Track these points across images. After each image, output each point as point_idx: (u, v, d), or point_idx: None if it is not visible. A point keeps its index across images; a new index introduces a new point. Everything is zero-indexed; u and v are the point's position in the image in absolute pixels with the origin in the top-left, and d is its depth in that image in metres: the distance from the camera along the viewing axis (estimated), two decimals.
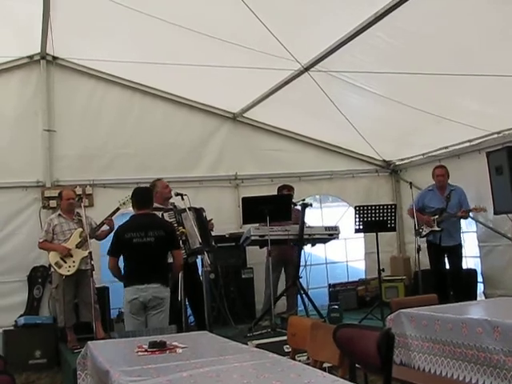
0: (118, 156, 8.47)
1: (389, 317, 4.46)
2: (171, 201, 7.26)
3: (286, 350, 5.81)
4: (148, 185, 8.28)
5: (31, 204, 8.09)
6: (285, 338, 6.00)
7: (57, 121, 8.18)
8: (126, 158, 8.50)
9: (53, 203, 8.02)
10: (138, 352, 3.37)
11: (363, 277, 9.54)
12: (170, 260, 5.81)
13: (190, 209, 6.74)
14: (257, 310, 8.39)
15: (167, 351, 3.34)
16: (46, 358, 7.37)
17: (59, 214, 7.25)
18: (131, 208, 6.01)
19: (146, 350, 3.36)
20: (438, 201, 7.72)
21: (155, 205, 7.10)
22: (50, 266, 7.90)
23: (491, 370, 3.45)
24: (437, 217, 7.58)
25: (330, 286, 9.07)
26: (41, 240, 7.21)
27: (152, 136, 8.60)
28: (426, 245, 7.81)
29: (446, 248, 7.56)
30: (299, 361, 4.07)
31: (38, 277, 7.98)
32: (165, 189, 7.28)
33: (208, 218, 7.27)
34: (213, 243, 7.00)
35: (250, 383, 2.50)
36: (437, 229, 7.54)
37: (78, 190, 8.08)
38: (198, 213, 6.94)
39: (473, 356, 3.61)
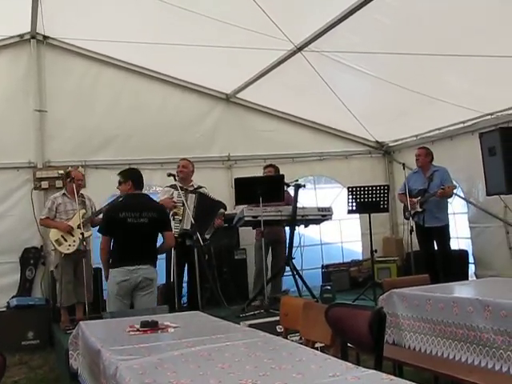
0: (111, 137, 8.43)
1: (381, 297, 4.47)
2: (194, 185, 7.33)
3: (279, 330, 5.83)
4: (141, 166, 8.42)
5: (23, 185, 8.06)
6: (277, 318, 6.08)
7: (48, 101, 8.12)
8: (118, 139, 8.46)
9: (45, 184, 8.00)
10: (129, 331, 3.37)
11: (359, 258, 9.58)
12: None
13: (194, 192, 6.82)
14: (250, 291, 8.41)
15: (159, 330, 3.34)
16: (38, 339, 7.39)
17: (64, 194, 7.23)
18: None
19: (137, 330, 3.36)
20: (421, 182, 7.70)
21: (176, 183, 7.09)
22: (42, 247, 7.96)
23: (480, 348, 3.47)
24: (419, 198, 7.58)
25: (323, 266, 9.08)
26: (43, 217, 7.21)
27: (145, 117, 8.55)
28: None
29: (430, 229, 7.50)
30: (292, 341, 4.08)
31: (30, 258, 7.96)
32: (178, 168, 7.45)
33: (223, 214, 7.37)
34: (207, 235, 6.94)
35: (241, 361, 2.50)
36: (419, 210, 7.52)
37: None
38: (204, 199, 6.99)
39: (463, 335, 3.62)
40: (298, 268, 7.88)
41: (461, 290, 4.03)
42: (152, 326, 3.40)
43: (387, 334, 4.33)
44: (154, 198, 6.37)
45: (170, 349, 2.80)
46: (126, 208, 5.45)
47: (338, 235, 9.72)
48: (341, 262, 9.43)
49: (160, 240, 5.73)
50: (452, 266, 7.68)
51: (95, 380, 3.09)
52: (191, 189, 7.14)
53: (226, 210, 7.33)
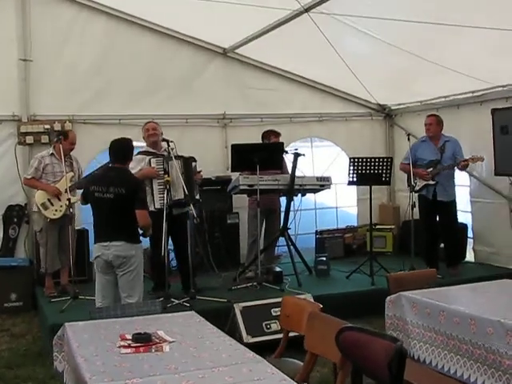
0: (101, 90, 7.93)
1: (388, 298, 4.20)
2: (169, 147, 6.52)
3: (274, 314, 5.65)
4: (132, 122, 8.00)
5: (6, 139, 7.63)
6: (272, 300, 5.86)
7: (34, 50, 7.56)
8: (108, 92, 7.97)
9: (29, 139, 7.58)
10: (120, 347, 3.07)
11: (354, 223, 9.34)
12: None
13: (177, 157, 6.33)
14: (241, 255, 8.17)
15: (153, 348, 3.04)
16: (21, 301, 7.13)
17: (52, 154, 6.80)
18: None
19: (129, 346, 3.06)
20: (432, 152, 7.29)
21: (146, 148, 6.69)
22: (26, 205, 7.60)
23: (500, 374, 3.22)
24: (431, 169, 7.21)
25: (316, 232, 8.82)
26: (28, 176, 6.81)
27: (137, 71, 8.05)
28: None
29: (439, 203, 7.21)
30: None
31: (14, 216, 7.63)
32: (146, 132, 6.76)
33: (198, 169, 6.81)
34: (197, 196, 6.57)
35: None
36: (431, 182, 7.16)
37: (57, 126, 7.64)
38: (187, 162, 6.49)
39: (480, 356, 3.37)
40: (292, 233, 7.65)
41: (478, 304, 3.72)
42: (146, 341, 3.10)
43: None
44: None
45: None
46: (95, 182, 5.25)
47: (333, 200, 9.43)
48: (335, 227, 9.17)
49: None
50: (455, 242, 7.45)
51: None
52: (165, 154, 6.51)
53: (196, 161, 6.72)
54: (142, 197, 5.19)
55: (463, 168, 7.15)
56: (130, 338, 3.18)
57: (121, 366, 2.78)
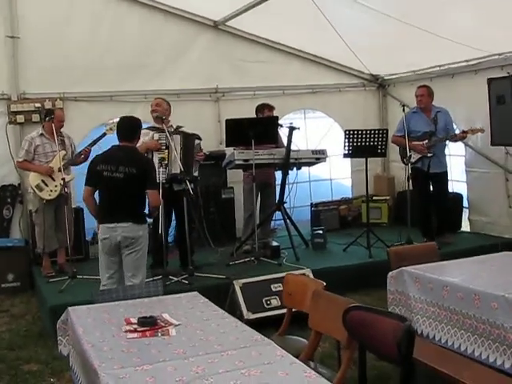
0: (91, 67, 7.77)
1: (390, 273, 4.20)
2: (178, 124, 6.67)
3: (274, 290, 5.66)
4: (123, 98, 7.91)
5: None
6: (272, 276, 5.87)
7: (21, 27, 7.41)
8: (98, 69, 7.81)
9: (20, 118, 7.48)
10: (126, 331, 3.05)
11: (349, 195, 9.33)
12: None
13: (178, 132, 6.31)
14: (237, 230, 8.16)
15: (159, 332, 3.02)
16: (19, 281, 7.14)
17: (41, 134, 6.69)
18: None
19: (135, 330, 3.05)
20: (425, 124, 7.21)
21: (152, 124, 6.62)
22: (19, 184, 7.53)
23: (504, 348, 3.24)
24: (426, 141, 7.16)
25: (312, 205, 8.81)
26: (20, 159, 6.72)
27: (126, 46, 7.91)
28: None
29: (433, 174, 7.18)
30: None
31: (7, 196, 7.55)
32: (150, 107, 6.75)
33: (201, 148, 6.73)
34: (195, 173, 6.51)
35: None
36: (428, 154, 7.13)
37: (47, 104, 7.54)
38: (188, 139, 6.43)
39: (484, 330, 3.38)
40: (288, 207, 7.64)
41: (482, 277, 3.72)
42: (151, 325, 3.09)
43: (395, 311, 4.11)
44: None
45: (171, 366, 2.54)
46: (104, 160, 5.05)
47: (327, 172, 9.40)
48: (330, 200, 9.16)
49: None
50: (449, 213, 7.48)
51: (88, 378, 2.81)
52: (171, 129, 6.57)
53: (200, 140, 6.73)
54: (153, 176, 5.16)
55: (461, 139, 7.12)
56: (136, 321, 3.16)
57: (128, 352, 2.77)
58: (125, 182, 4.94)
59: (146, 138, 6.42)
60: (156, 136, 6.36)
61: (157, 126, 6.54)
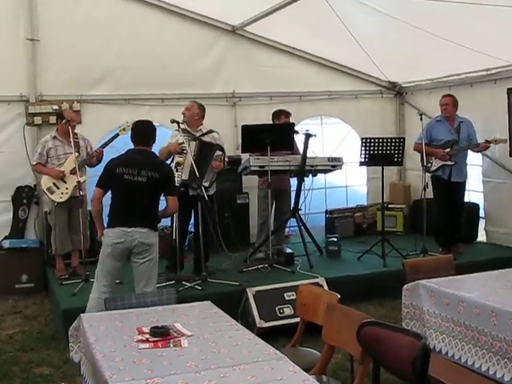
0: (109, 70, 7.82)
1: (405, 286, 4.14)
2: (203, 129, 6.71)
3: (287, 298, 5.63)
4: (141, 102, 7.92)
5: (14, 120, 7.55)
6: (285, 284, 5.84)
7: (41, 30, 7.44)
8: (116, 72, 7.85)
9: (38, 120, 7.52)
10: (138, 341, 3.04)
11: (364, 202, 9.28)
12: None
13: (195, 139, 6.32)
14: (251, 235, 8.13)
15: (171, 342, 3.00)
16: (33, 282, 7.18)
17: (54, 137, 6.74)
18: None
19: (147, 340, 3.03)
20: (448, 132, 7.21)
21: (184, 126, 6.53)
22: (35, 186, 7.57)
23: None
24: (449, 150, 7.13)
25: (326, 212, 8.77)
26: (34, 162, 6.79)
27: (144, 49, 7.88)
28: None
29: (454, 183, 7.18)
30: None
31: (23, 197, 7.58)
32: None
33: (223, 159, 6.63)
34: (206, 184, 6.30)
35: None
36: (450, 163, 7.08)
37: (65, 106, 7.56)
38: (204, 147, 6.37)
39: (500, 348, 3.33)
40: (302, 213, 7.59)
41: (499, 294, 3.64)
42: (163, 335, 3.07)
43: (409, 326, 4.06)
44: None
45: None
46: (124, 163, 4.97)
47: (342, 179, 9.35)
48: (345, 207, 9.12)
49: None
50: (463, 222, 7.43)
51: None
52: (198, 134, 6.57)
53: (223, 151, 6.61)
54: (174, 182, 5.20)
55: (484, 149, 7.09)
56: (148, 331, 3.15)
57: (140, 363, 2.75)
58: (147, 186, 4.91)
59: (173, 139, 6.53)
60: (181, 139, 6.35)
61: (186, 128, 6.55)
